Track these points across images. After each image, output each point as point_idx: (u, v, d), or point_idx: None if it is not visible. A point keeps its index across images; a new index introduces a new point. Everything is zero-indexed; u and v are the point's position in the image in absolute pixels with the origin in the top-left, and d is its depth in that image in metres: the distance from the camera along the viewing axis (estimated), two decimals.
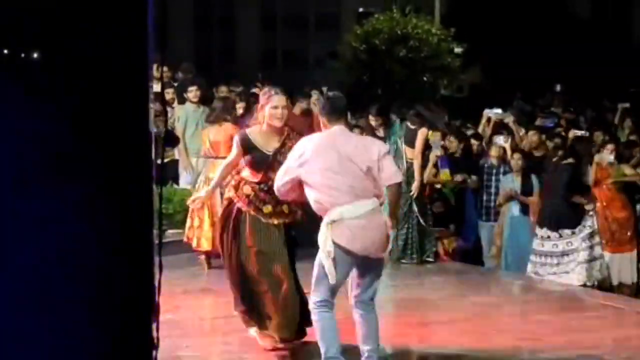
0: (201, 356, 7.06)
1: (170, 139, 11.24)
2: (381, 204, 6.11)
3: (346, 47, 21.09)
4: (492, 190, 12.25)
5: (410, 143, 11.42)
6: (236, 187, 6.88)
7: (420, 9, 21.40)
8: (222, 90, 13.73)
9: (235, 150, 6.94)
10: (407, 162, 11.23)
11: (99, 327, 2.56)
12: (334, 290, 6.05)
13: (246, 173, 6.86)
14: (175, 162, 12.71)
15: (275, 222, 6.78)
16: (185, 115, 12.76)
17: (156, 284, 2.71)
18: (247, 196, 6.78)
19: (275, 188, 6.25)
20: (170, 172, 12.49)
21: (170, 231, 11.16)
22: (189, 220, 10.53)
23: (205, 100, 13.17)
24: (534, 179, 11.84)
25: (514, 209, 11.81)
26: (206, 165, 10.68)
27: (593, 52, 27.38)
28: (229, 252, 6.86)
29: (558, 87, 21.45)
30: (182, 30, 31.47)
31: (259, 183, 6.76)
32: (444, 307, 8.63)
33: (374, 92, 18.72)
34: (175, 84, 14.01)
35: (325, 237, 5.92)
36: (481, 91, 21.21)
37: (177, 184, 12.75)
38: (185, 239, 10.52)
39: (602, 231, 11.64)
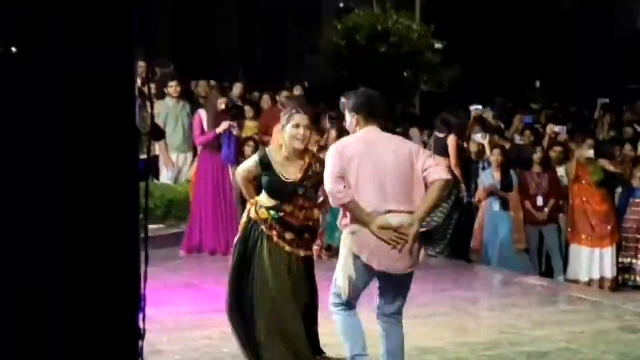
0: (181, 350, 7.06)
1: (157, 133, 11.23)
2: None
3: (326, 42, 21.08)
4: (472, 185, 12.32)
5: (441, 152, 11.41)
6: (256, 208, 6.32)
7: (400, 5, 21.42)
8: (201, 85, 13.72)
9: (252, 164, 6.37)
10: None
11: (86, 317, 2.57)
12: (356, 296, 5.71)
13: (262, 196, 6.32)
14: (155, 158, 12.71)
15: (302, 254, 6.25)
16: (165, 110, 12.72)
17: (142, 275, 2.72)
18: (266, 220, 6.24)
19: (331, 194, 5.56)
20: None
21: (150, 226, 11.14)
22: None
23: (184, 95, 13.17)
24: (513, 174, 11.90)
25: (494, 204, 11.86)
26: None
27: (574, 48, 27.49)
28: (238, 279, 6.40)
29: (537, 83, 21.57)
30: (160, 25, 31.36)
31: (271, 208, 6.23)
32: (424, 301, 8.66)
33: (354, 88, 18.74)
34: (155, 79, 13.97)
35: (345, 247, 5.60)
36: (461, 87, 21.21)
37: (157, 179, 12.73)
38: None
39: (581, 226, 11.74)
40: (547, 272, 11.89)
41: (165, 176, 12.73)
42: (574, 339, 7.55)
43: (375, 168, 5.53)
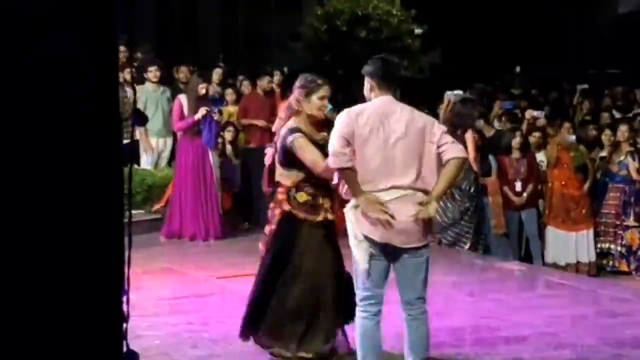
0: (162, 336, 7.07)
1: (140, 118, 11.18)
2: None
3: (307, 27, 21.06)
4: None
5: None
6: (288, 199, 6.20)
7: None
8: (182, 71, 13.71)
9: (311, 147, 6.07)
10: None
11: (71, 301, 2.58)
12: (377, 284, 5.51)
13: (293, 176, 6.19)
14: (136, 143, 12.65)
15: (330, 217, 6.22)
16: (145, 95, 12.70)
17: (126, 259, 2.74)
18: (305, 203, 6.18)
19: (334, 154, 5.37)
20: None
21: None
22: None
23: (164, 80, 13.15)
24: (492, 159, 11.94)
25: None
26: None
27: (555, 34, 27.54)
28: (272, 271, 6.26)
29: (518, 69, 21.61)
30: (142, 10, 31.23)
31: (305, 181, 6.15)
32: None
33: (335, 73, 18.75)
34: (135, 64, 13.93)
35: (351, 223, 5.44)
36: (442, 73, 21.25)
37: (138, 164, 12.71)
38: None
39: (558, 210, 11.82)
40: (527, 257, 11.96)
41: (146, 161, 12.71)
42: (553, 324, 7.61)
43: (385, 142, 5.39)
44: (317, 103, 6.17)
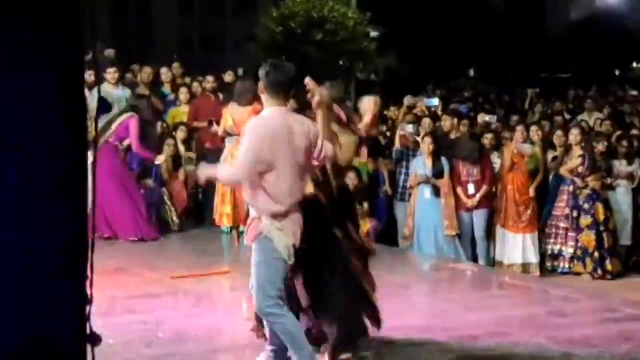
0: (116, 335, 7.03)
1: (104, 106, 11.14)
2: None
3: (262, 29, 21.06)
4: (404, 170, 12.43)
5: None
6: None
7: None
8: (146, 71, 13.66)
9: None
10: None
11: (34, 281, 2.60)
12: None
13: None
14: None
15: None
16: (104, 96, 12.60)
17: (89, 241, 2.76)
18: None
19: (239, 178, 5.61)
20: None
21: None
22: (216, 198, 10.91)
23: (122, 81, 13.07)
24: (444, 161, 12.03)
25: (425, 191, 11.99)
26: (230, 142, 10.62)
27: (507, 38, 27.86)
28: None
29: (471, 72, 21.84)
30: (98, 12, 31.02)
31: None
32: None
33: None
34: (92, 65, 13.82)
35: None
36: (396, 75, 21.39)
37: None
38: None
39: (510, 212, 11.94)
40: (474, 258, 12.06)
41: None
42: (505, 323, 7.68)
43: (294, 153, 5.51)
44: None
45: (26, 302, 2.60)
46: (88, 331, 2.81)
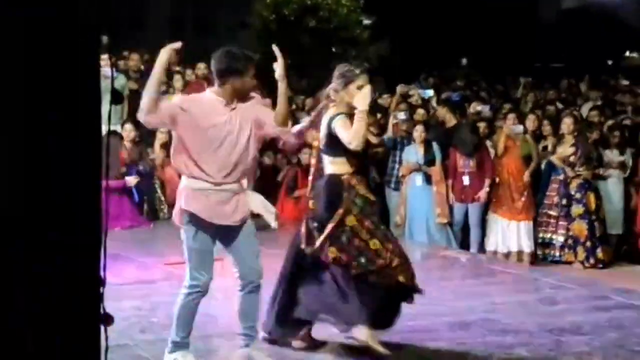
0: None
1: (117, 98, 11.15)
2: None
3: (256, 16, 21.04)
4: (397, 159, 12.48)
5: None
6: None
7: None
8: (133, 59, 13.62)
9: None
10: None
11: (49, 265, 2.64)
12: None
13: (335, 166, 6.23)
14: None
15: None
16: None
17: (103, 227, 2.81)
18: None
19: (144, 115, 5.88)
20: None
21: None
22: None
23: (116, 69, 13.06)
24: (436, 149, 12.08)
25: (417, 179, 12.05)
26: None
27: (500, 27, 27.84)
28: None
29: (464, 61, 21.85)
30: None
31: (354, 173, 6.21)
32: None
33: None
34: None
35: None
36: (390, 64, 21.38)
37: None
38: None
39: (503, 198, 11.98)
40: (466, 246, 12.11)
41: None
42: (495, 310, 7.75)
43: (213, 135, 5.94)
44: (355, 92, 6.11)
45: (41, 286, 2.64)
46: (102, 311, 2.88)
